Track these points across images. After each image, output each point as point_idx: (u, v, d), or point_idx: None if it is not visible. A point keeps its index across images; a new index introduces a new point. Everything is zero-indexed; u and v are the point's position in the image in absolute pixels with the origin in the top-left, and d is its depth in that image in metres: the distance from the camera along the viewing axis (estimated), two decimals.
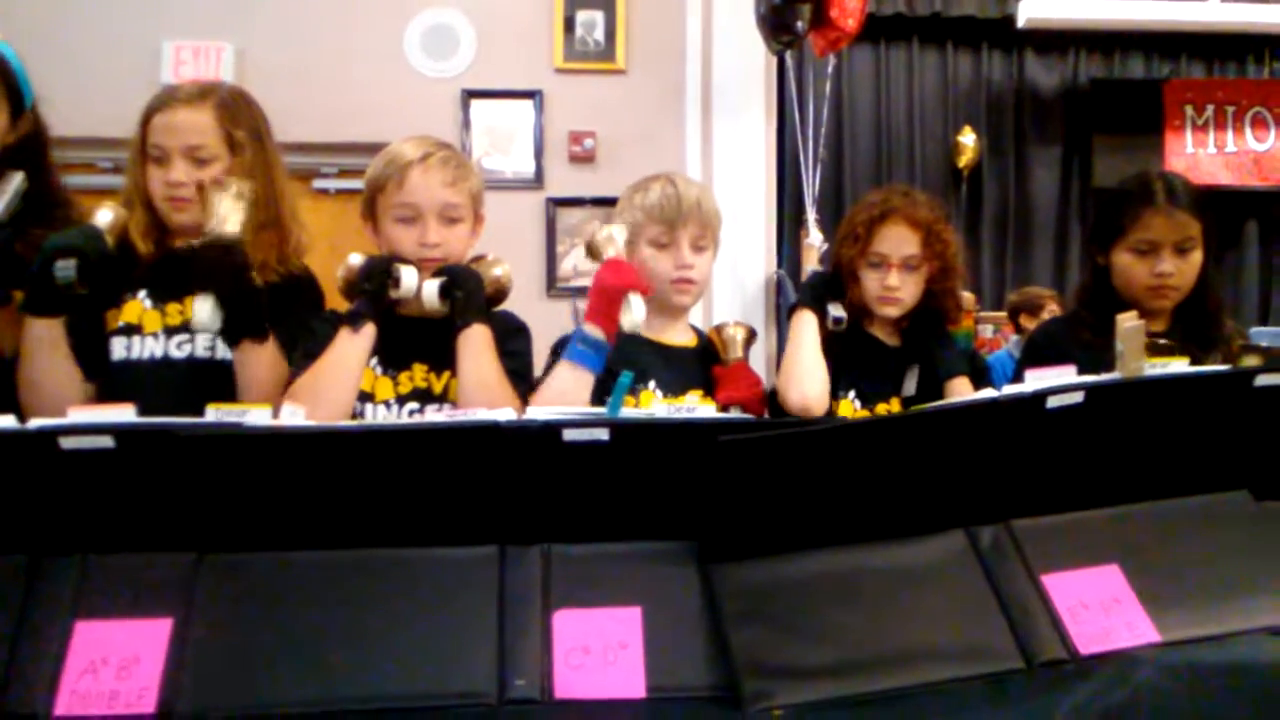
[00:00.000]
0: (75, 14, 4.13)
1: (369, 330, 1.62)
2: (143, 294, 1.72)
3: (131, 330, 1.70)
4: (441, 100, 4.32)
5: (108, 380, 1.68)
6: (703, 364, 1.87)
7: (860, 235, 1.92)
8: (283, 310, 1.68)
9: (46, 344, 1.58)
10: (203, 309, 1.54)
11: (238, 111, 1.76)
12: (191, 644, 1.10)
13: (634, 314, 1.64)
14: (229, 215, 1.58)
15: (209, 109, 1.72)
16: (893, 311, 1.92)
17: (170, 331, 1.70)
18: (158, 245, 1.74)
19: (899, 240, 1.90)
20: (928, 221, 1.91)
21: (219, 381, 1.63)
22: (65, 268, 1.51)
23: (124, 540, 1.16)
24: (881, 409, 1.92)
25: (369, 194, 1.74)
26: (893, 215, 1.91)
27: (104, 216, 1.63)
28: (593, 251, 1.74)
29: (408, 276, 1.64)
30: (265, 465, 1.16)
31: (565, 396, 1.61)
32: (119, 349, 1.70)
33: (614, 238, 1.73)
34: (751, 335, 1.92)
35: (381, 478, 1.18)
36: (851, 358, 1.94)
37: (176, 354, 1.70)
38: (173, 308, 1.71)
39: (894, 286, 1.89)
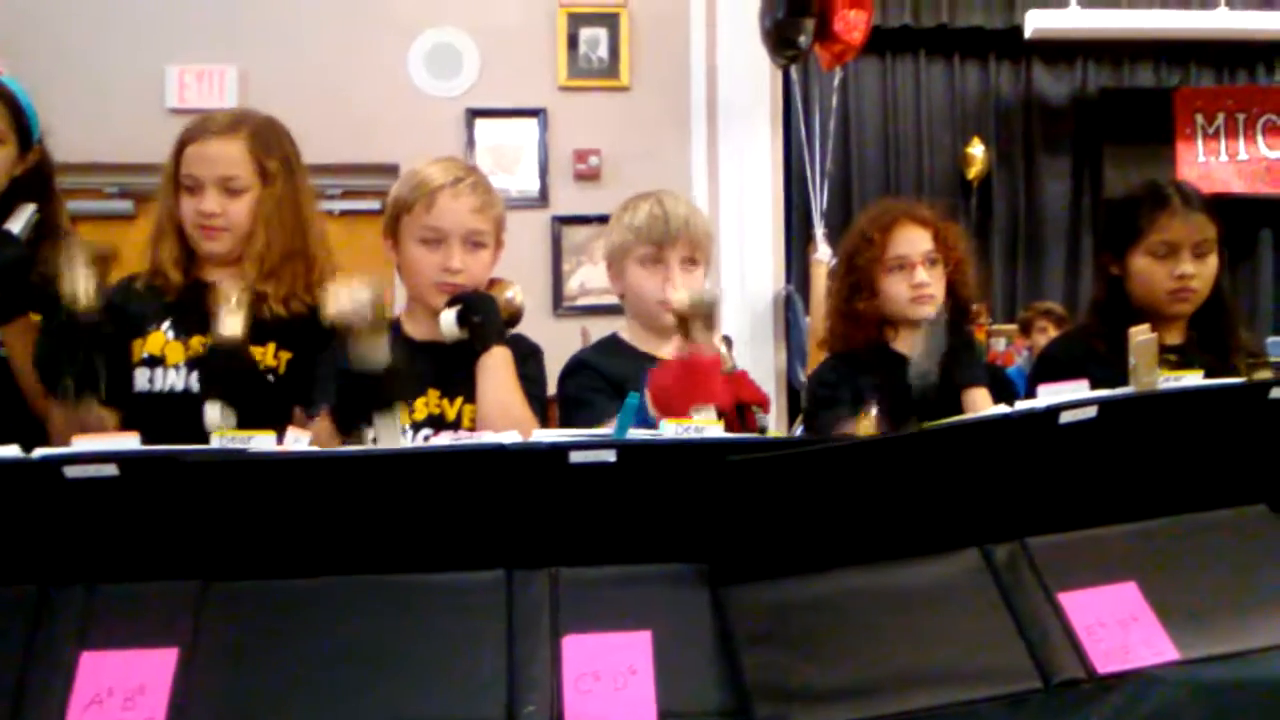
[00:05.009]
0: (79, 41, 4.16)
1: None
2: (166, 325, 1.73)
3: (154, 362, 1.71)
4: (446, 119, 4.34)
5: (131, 411, 1.68)
6: None
7: (875, 241, 1.93)
8: (310, 339, 1.70)
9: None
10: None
11: (269, 141, 1.78)
12: (198, 673, 1.09)
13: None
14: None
15: (241, 139, 1.75)
16: (928, 310, 1.93)
17: (192, 365, 1.71)
18: (186, 275, 1.76)
19: (914, 239, 1.93)
20: (933, 219, 1.96)
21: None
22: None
23: (129, 569, 1.15)
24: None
25: (393, 212, 1.75)
26: (901, 218, 1.95)
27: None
28: (684, 318, 1.52)
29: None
30: (270, 491, 1.16)
31: None
32: (142, 380, 1.71)
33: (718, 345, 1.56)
34: (728, 341, 1.94)
35: (387, 502, 1.17)
36: (876, 374, 1.94)
37: (199, 387, 1.69)
38: (196, 341, 1.72)
39: (924, 283, 1.92)
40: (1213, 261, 1.91)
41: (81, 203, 4.24)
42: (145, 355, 1.71)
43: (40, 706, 1.06)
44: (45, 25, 4.15)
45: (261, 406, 1.62)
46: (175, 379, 1.70)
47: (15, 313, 1.67)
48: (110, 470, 1.11)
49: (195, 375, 1.69)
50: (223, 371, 1.60)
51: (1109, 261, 2.00)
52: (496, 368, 1.64)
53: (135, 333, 1.72)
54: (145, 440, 1.32)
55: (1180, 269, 1.88)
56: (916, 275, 1.91)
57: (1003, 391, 1.94)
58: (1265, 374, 1.73)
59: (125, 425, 1.65)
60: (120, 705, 1.06)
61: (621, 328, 1.90)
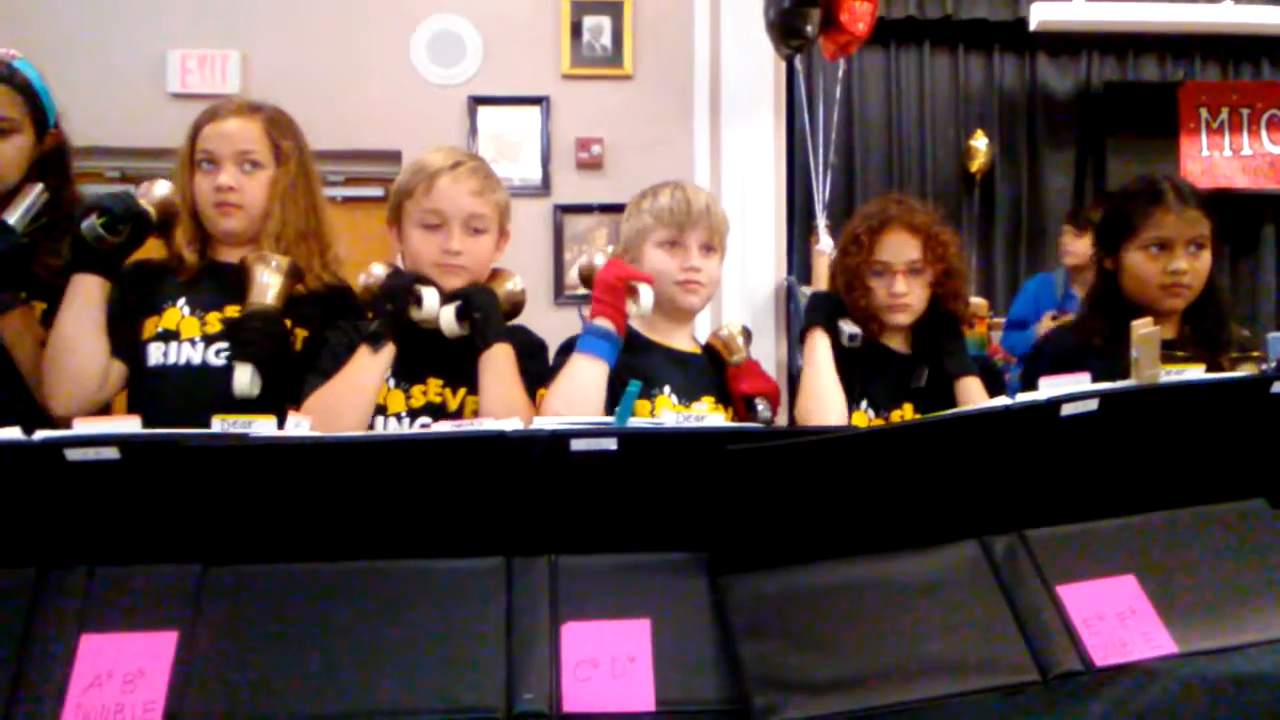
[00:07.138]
0: (81, 24, 4.15)
1: (388, 351, 1.63)
2: (182, 302, 1.74)
3: (169, 336, 1.72)
4: (448, 107, 4.32)
5: (143, 385, 1.71)
6: (712, 371, 1.87)
7: (864, 244, 1.94)
8: (325, 318, 1.73)
9: (80, 300, 1.63)
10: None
11: (284, 126, 1.82)
12: (197, 656, 1.09)
13: (642, 301, 1.69)
14: (268, 286, 1.67)
15: (259, 120, 1.78)
16: (903, 318, 1.94)
17: (209, 340, 1.72)
18: (200, 257, 1.78)
19: (900, 246, 1.92)
20: (926, 225, 1.94)
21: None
22: (90, 224, 1.58)
23: (130, 552, 1.16)
24: (895, 416, 1.92)
25: (396, 200, 1.77)
26: (891, 223, 1.94)
27: (161, 188, 1.71)
28: (587, 280, 1.77)
29: (429, 298, 1.66)
30: (271, 476, 1.16)
31: (581, 388, 1.62)
32: (155, 355, 1.72)
33: (605, 256, 1.78)
34: (747, 332, 1.96)
35: (388, 488, 1.18)
36: (865, 368, 1.95)
37: (215, 361, 1.71)
38: (212, 316, 1.73)
39: (901, 293, 1.92)
40: (1206, 257, 1.92)
41: (82, 187, 4.23)
42: (160, 330, 1.72)
43: (40, 688, 1.06)
44: (46, 8, 4.14)
45: (286, 379, 1.63)
46: (191, 353, 1.71)
47: (11, 304, 1.68)
48: (111, 453, 1.11)
49: (211, 350, 1.71)
50: (256, 335, 1.64)
51: (1103, 256, 2.01)
52: (498, 364, 1.64)
53: (150, 310, 1.73)
54: (157, 415, 1.32)
55: (1174, 265, 1.89)
56: (895, 285, 1.92)
57: (994, 382, 1.96)
58: (1249, 368, 1.74)
59: (139, 400, 1.69)
60: (120, 687, 1.06)
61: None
